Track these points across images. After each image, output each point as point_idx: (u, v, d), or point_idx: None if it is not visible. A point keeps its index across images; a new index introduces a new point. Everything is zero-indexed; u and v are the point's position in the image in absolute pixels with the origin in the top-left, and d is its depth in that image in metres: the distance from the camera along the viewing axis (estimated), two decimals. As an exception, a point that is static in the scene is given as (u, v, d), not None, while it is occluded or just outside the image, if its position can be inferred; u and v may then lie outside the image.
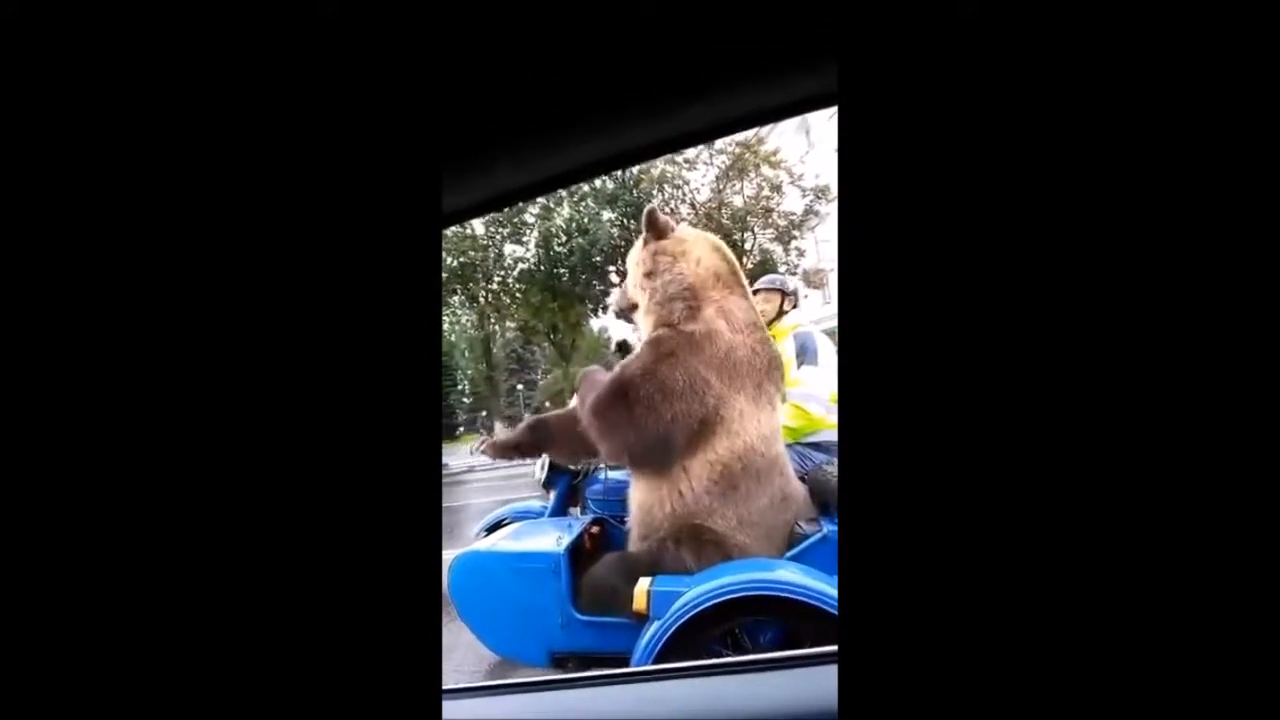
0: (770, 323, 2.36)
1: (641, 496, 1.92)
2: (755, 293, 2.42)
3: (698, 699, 0.66)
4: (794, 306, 2.44)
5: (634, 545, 1.93)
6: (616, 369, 1.92)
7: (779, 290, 2.40)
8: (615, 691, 0.70)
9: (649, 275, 1.97)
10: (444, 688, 0.65)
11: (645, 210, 2.04)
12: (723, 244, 2.09)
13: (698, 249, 2.00)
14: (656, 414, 1.79)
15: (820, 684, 0.62)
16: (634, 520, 1.95)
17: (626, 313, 2.21)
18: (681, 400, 1.79)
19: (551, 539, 1.95)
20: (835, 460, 2.09)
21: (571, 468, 2.38)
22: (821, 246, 11.54)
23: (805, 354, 2.16)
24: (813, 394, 2.10)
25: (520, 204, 11.00)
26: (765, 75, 0.44)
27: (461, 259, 11.26)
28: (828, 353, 2.22)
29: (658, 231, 2.00)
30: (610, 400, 1.84)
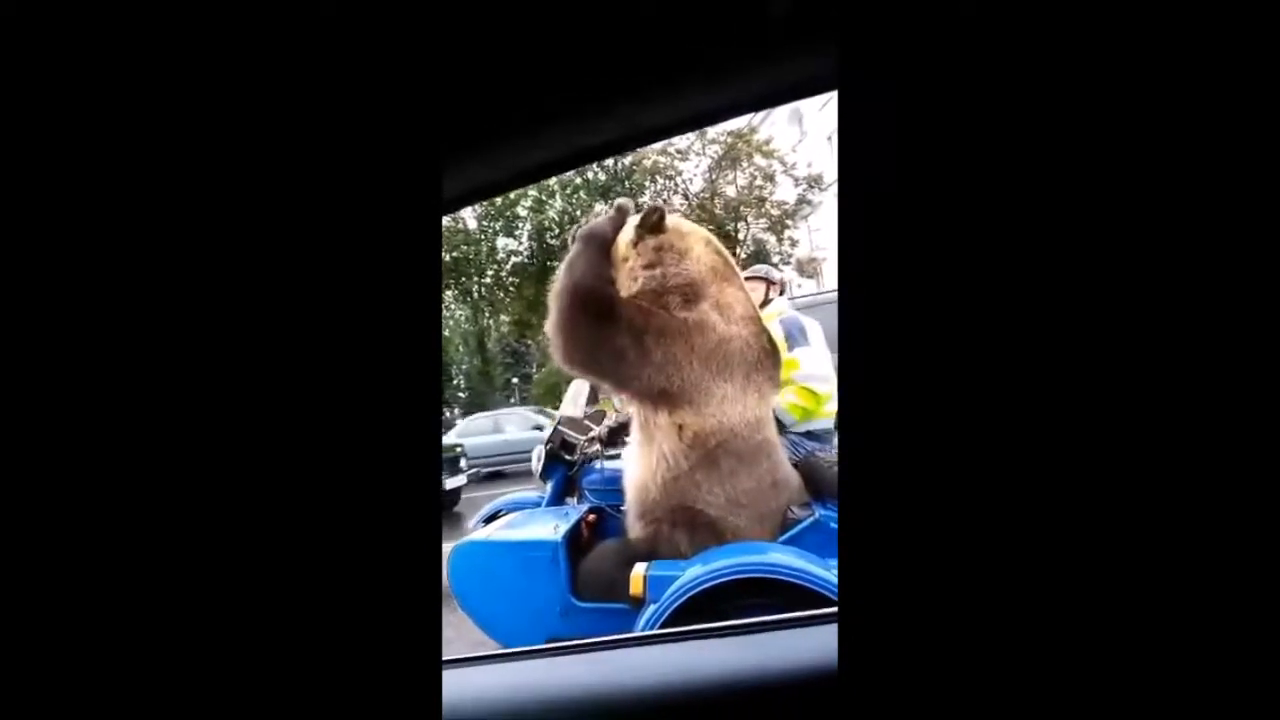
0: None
1: (635, 474, 1.97)
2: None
3: (698, 662, 0.67)
4: (780, 294, 2.53)
5: (631, 526, 1.97)
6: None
7: (764, 279, 2.50)
8: (616, 656, 0.71)
9: (650, 267, 1.99)
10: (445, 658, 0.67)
11: (650, 208, 2.06)
12: (714, 237, 2.13)
13: (698, 245, 2.03)
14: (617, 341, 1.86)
15: (821, 641, 0.64)
16: (630, 501, 2.00)
17: None
18: (646, 345, 1.86)
19: (549, 527, 1.97)
20: (826, 448, 2.14)
21: (567, 457, 2.42)
22: (815, 235, 11.53)
23: (792, 339, 2.21)
24: (813, 374, 2.15)
25: (512, 197, 10.96)
26: (764, 59, 0.45)
27: (454, 253, 11.19)
28: (814, 331, 2.28)
29: (660, 228, 2.02)
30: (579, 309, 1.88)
